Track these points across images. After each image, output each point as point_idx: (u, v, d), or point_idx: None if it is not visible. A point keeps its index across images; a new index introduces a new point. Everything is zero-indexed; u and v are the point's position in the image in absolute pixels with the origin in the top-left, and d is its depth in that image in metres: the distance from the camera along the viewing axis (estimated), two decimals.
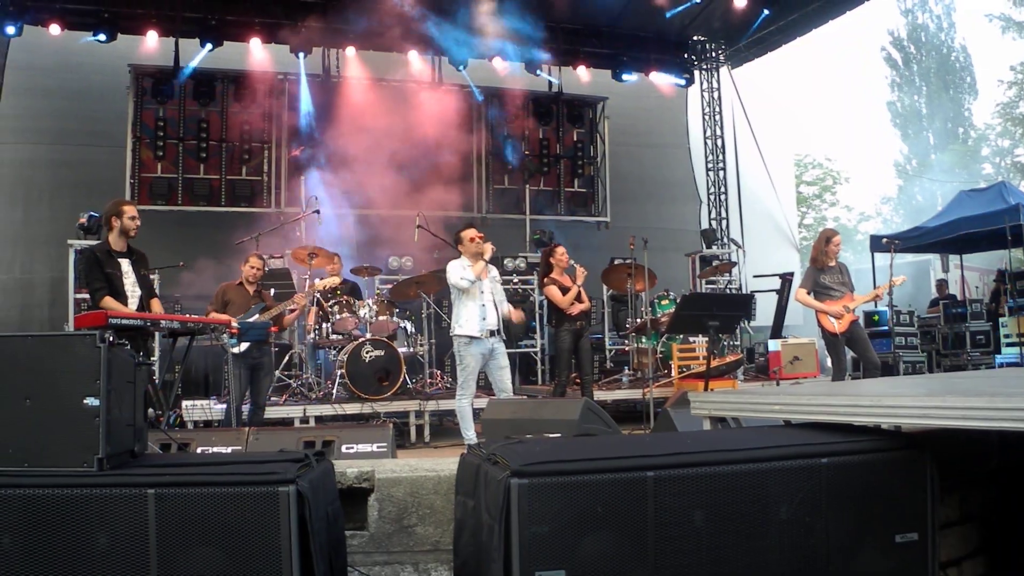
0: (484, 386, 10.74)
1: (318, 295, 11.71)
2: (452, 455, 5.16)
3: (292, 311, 10.18)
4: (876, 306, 14.89)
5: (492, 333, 9.22)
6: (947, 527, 4.18)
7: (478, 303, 9.18)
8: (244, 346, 9.33)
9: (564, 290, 10.84)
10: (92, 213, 13.06)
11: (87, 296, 10.03)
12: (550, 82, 18.19)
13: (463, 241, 9.36)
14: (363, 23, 15.35)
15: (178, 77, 15.37)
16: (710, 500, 3.68)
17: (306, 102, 16.31)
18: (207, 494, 3.63)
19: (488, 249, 9.23)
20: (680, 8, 16.03)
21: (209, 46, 15.16)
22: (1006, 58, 62.59)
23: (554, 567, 3.52)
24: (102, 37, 14.53)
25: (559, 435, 5.98)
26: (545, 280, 11.27)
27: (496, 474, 3.67)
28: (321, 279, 11.05)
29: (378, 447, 7.03)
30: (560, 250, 11.12)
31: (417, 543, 4.90)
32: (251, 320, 9.49)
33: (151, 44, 15.21)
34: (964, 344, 15.78)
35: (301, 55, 15.74)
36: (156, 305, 8.42)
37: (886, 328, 14.97)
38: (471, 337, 9.12)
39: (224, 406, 10.23)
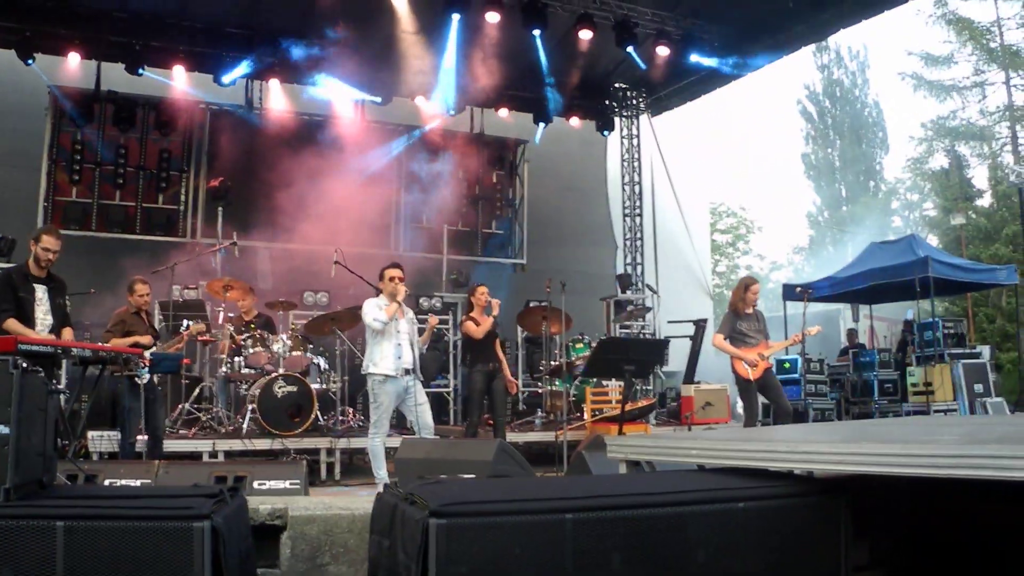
0: (397, 425, 10.68)
1: (230, 328, 11.61)
2: (364, 493, 5.13)
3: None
4: (787, 353, 15.11)
5: (407, 372, 9.20)
6: (858, 571, 4.25)
7: (394, 342, 9.17)
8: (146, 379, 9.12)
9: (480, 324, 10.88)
10: (3, 235, 12.79)
11: None
12: (472, 123, 18.32)
13: (383, 278, 9.35)
14: (288, 57, 15.36)
15: (99, 100, 15.20)
16: (629, 543, 3.70)
17: (227, 133, 16.21)
18: (119, 528, 3.57)
19: (401, 291, 9.23)
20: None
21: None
22: (917, 115, 64.35)
23: None
24: (30, 61, 14.38)
25: (472, 476, 5.98)
26: (463, 318, 11.31)
27: (414, 514, 3.65)
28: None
29: (291, 484, 6.97)
30: (480, 289, 11.12)
31: None
32: (158, 351, 9.34)
33: (73, 66, 15.01)
34: (872, 392, 16.07)
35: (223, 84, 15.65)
36: (68, 334, 8.27)
37: (797, 375, 15.21)
38: (386, 376, 9.09)
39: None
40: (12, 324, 7.74)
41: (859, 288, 16.87)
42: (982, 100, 37.20)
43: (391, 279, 9.27)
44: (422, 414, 9.21)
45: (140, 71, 14.89)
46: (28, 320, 7.89)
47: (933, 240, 33.98)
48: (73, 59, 14.89)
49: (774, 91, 74.76)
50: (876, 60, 76.51)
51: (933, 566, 4.56)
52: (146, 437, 9.56)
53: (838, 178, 50.07)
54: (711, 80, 17.94)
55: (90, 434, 10.15)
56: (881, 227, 40.77)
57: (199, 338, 11.30)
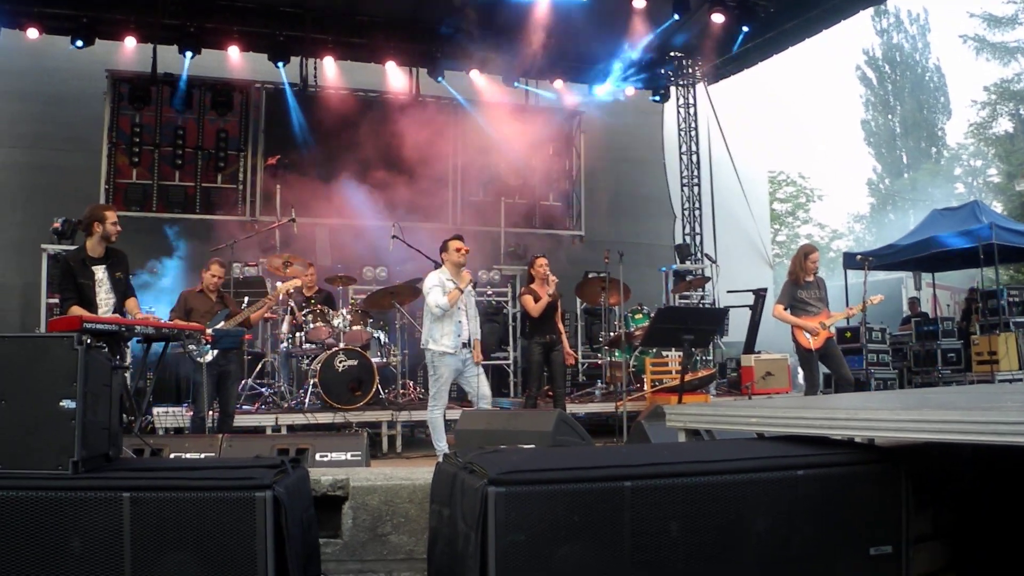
0: (456, 397, 10.72)
1: (291, 304, 11.71)
2: (425, 465, 5.15)
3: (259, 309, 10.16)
4: (848, 323, 14.94)
5: (464, 345, 9.23)
6: (919, 542, 4.19)
7: (454, 320, 9.17)
8: (211, 356, 9.25)
9: (539, 300, 10.84)
10: (66, 218, 12.99)
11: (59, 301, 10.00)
12: (527, 96, 18.26)
13: (448, 249, 9.34)
14: (342, 33, 15.42)
15: (156, 83, 15.38)
16: (687, 511, 3.68)
17: (283, 111, 16.32)
18: (183, 499, 3.61)
19: (466, 279, 9.25)
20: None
21: (188, 54, 15.12)
22: (979, 79, 63.33)
23: None
24: (80, 43, 14.46)
25: (533, 446, 5.98)
26: (523, 290, 11.29)
27: (473, 483, 3.65)
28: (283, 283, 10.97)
29: (352, 456, 7.02)
30: (539, 261, 11.04)
31: (391, 552, 4.88)
32: (222, 327, 9.45)
33: (129, 49, 15.20)
34: (935, 361, 15.86)
35: (281, 64, 15.72)
36: (132, 304, 8.37)
37: (858, 345, 15.04)
38: (445, 352, 9.13)
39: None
40: (75, 311, 7.84)
41: (921, 256, 16.67)
42: None
43: (457, 250, 9.27)
44: (481, 384, 9.26)
45: (185, 52, 15.07)
46: (90, 304, 7.99)
47: (997, 206, 33.47)
48: (129, 43, 15.07)
49: (833, 57, 73.81)
50: (937, 23, 75.20)
51: (997, 538, 4.49)
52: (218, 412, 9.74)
53: (899, 145, 49.41)
54: (768, 46, 17.64)
55: (156, 410, 10.32)
56: (944, 194, 40.10)
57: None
